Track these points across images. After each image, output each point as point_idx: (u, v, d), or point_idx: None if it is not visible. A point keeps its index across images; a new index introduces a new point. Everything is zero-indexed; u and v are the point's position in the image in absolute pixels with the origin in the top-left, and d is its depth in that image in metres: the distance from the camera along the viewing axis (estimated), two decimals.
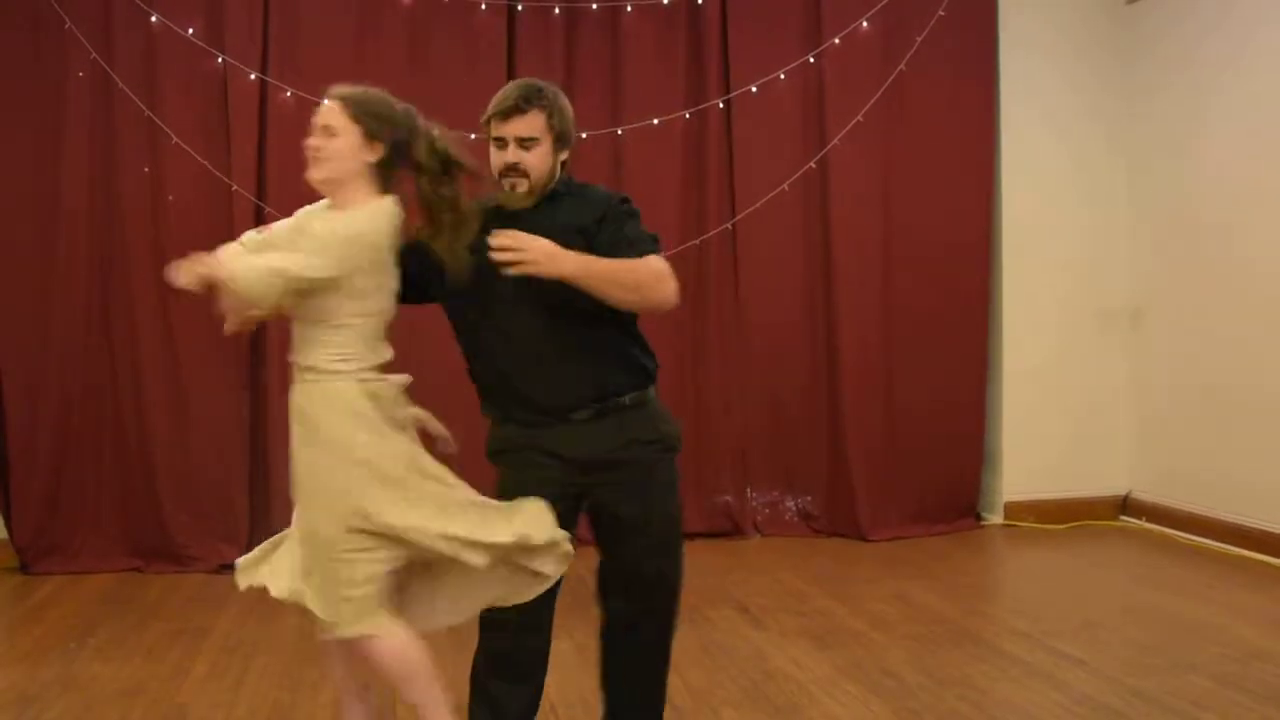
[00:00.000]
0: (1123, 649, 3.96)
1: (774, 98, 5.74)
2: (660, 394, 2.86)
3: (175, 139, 5.22)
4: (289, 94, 5.27)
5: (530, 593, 2.63)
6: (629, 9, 5.63)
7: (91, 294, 5.27)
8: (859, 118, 5.72)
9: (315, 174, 2.63)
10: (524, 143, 2.67)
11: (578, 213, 2.71)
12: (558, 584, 2.72)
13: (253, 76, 5.29)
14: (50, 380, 5.21)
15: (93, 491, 5.30)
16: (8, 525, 5.25)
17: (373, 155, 2.62)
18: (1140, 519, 5.90)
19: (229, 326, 2.74)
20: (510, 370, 2.72)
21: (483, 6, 5.50)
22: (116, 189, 5.26)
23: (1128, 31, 5.97)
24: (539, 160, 2.68)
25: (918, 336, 5.86)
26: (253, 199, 5.28)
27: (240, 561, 2.74)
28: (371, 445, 2.55)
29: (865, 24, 5.73)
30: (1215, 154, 5.44)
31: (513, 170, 2.68)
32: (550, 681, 2.89)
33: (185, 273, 2.45)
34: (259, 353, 5.33)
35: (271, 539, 2.73)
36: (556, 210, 2.72)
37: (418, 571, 2.66)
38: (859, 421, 5.79)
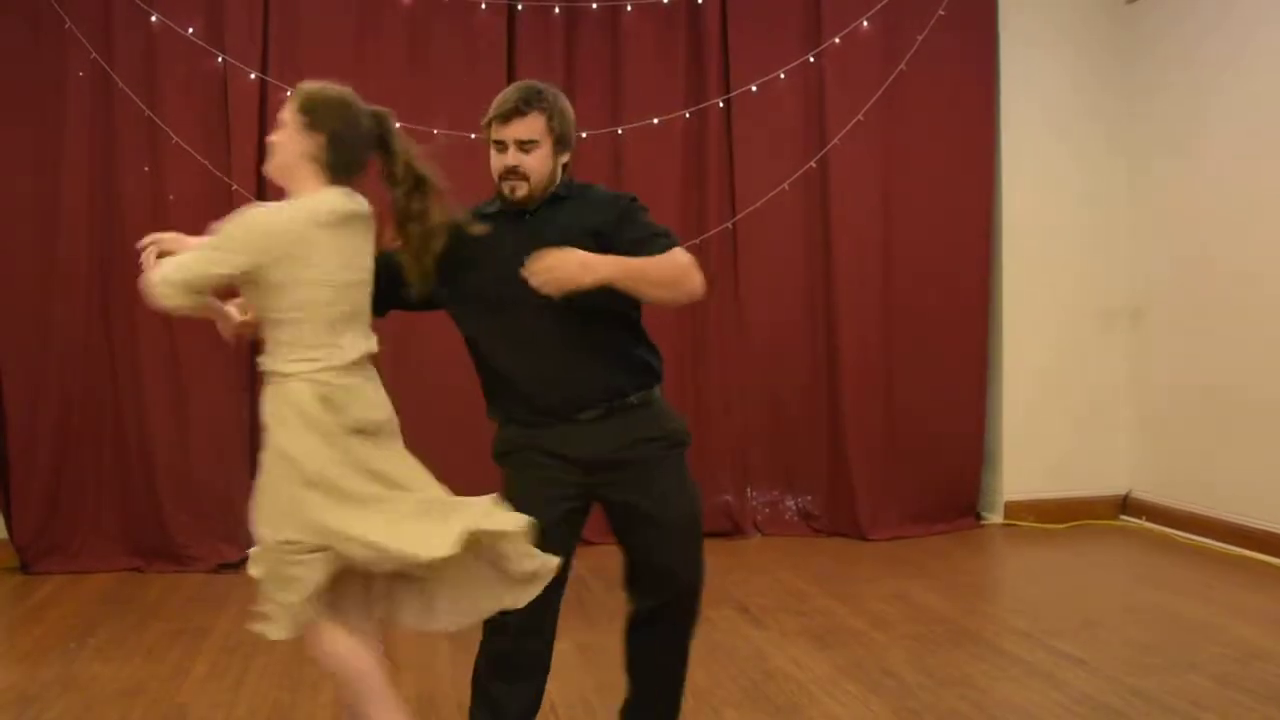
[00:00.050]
0: (1123, 649, 3.96)
1: (774, 97, 5.74)
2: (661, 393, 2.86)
3: (175, 139, 5.22)
4: (289, 93, 5.25)
5: (526, 595, 2.61)
6: (629, 8, 5.63)
7: (91, 294, 5.26)
8: (859, 117, 5.72)
9: (266, 165, 2.69)
10: (524, 145, 2.67)
11: (586, 214, 2.72)
12: (561, 586, 2.72)
13: (253, 76, 5.29)
14: (50, 380, 5.22)
15: (93, 491, 5.30)
16: (8, 525, 5.26)
17: (311, 145, 2.61)
18: (1140, 519, 5.90)
19: (223, 333, 2.76)
20: (518, 372, 2.72)
21: (483, 6, 5.50)
22: (116, 189, 5.27)
23: (1128, 31, 5.96)
24: (539, 163, 2.68)
25: (918, 336, 5.86)
26: (253, 198, 5.27)
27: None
28: (317, 453, 2.50)
29: (865, 24, 5.73)
30: (1215, 154, 5.44)
31: (513, 173, 2.69)
32: (550, 681, 2.89)
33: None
34: (259, 353, 5.31)
35: None
36: (561, 212, 2.72)
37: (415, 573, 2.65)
38: (859, 421, 5.79)
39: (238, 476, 5.31)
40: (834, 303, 5.80)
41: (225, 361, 5.26)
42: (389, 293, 2.78)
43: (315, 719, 3.45)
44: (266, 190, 5.30)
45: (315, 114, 2.63)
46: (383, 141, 2.67)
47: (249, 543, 2.59)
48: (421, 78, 5.46)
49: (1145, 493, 5.94)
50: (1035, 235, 5.95)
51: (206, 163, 5.26)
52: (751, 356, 5.80)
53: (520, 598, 2.62)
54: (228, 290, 2.68)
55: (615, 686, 3.62)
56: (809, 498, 5.89)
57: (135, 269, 2.76)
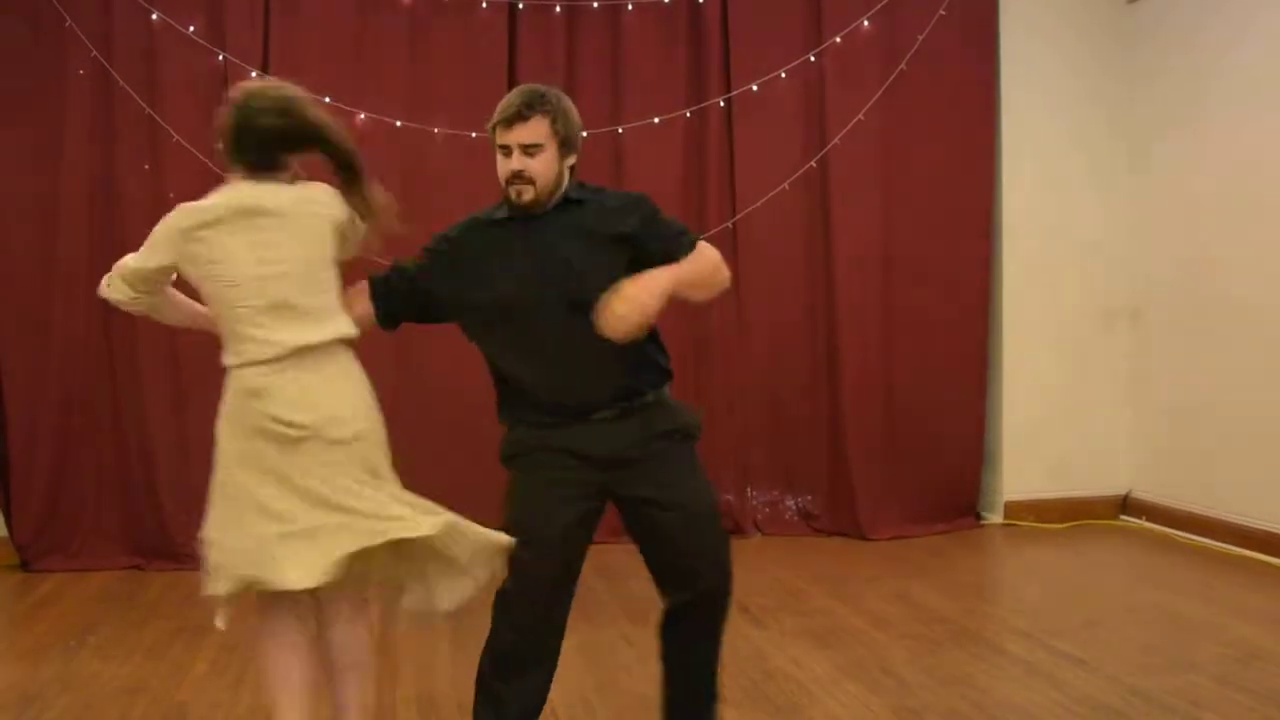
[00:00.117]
0: (1123, 649, 3.96)
1: (775, 96, 5.73)
2: None
3: (176, 137, 5.22)
4: None
5: (486, 570, 2.61)
6: (630, 7, 5.63)
7: (92, 294, 5.22)
8: (860, 116, 5.72)
9: None
10: (528, 149, 2.67)
11: (608, 219, 2.73)
12: (573, 584, 2.73)
13: (254, 74, 5.28)
14: (50, 380, 5.21)
15: (93, 490, 5.30)
16: (8, 523, 5.26)
17: (223, 142, 2.67)
18: (1140, 519, 5.90)
19: (206, 327, 2.82)
20: (533, 376, 2.73)
21: (483, 5, 5.50)
22: (117, 187, 5.26)
23: (1128, 20, 5.94)
24: (544, 167, 2.68)
25: (918, 336, 5.86)
26: None
27: None
28: (225, 448, 2.57)
29: (866, 23, 5.73)
30: (1216, 140, 5.42)
31: (518, 178, 2.69)
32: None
33: None
34: None
35: None
36: (578, 216, 2.73)
37: (405, 562, 2.65)
38: (859, 421, 5.79)
39: None
40: (834, 302, 5.80)
41: None
42: (400, 306, 2.81)
43: (315, 717, 3.44)
44: None
45: (225, 112, 2.71)
46: (301, 135, 2.65)
47: None
48: (422, 76, 5.46)
49: (1145, 493, 5.94)
50: (1035, 235, 5.95)
51: (207, 161, 5.24)
52: (752, 356, 5.80)
53: (484, 574, 2.62)
54: None
55: (615, 686, 3.64)
56: (809, 497, 5.89)
57: None
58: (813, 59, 5.74)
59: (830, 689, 3.60)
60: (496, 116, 2.71)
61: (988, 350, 5.98)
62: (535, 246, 2.69)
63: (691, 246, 2.74)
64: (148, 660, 3.96)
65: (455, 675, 3.71)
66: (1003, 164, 5.93)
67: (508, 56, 5.54)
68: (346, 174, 2.67)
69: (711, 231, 5.69)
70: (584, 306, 2.59)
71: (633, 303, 2.54)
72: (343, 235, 2.67)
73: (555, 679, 2.81)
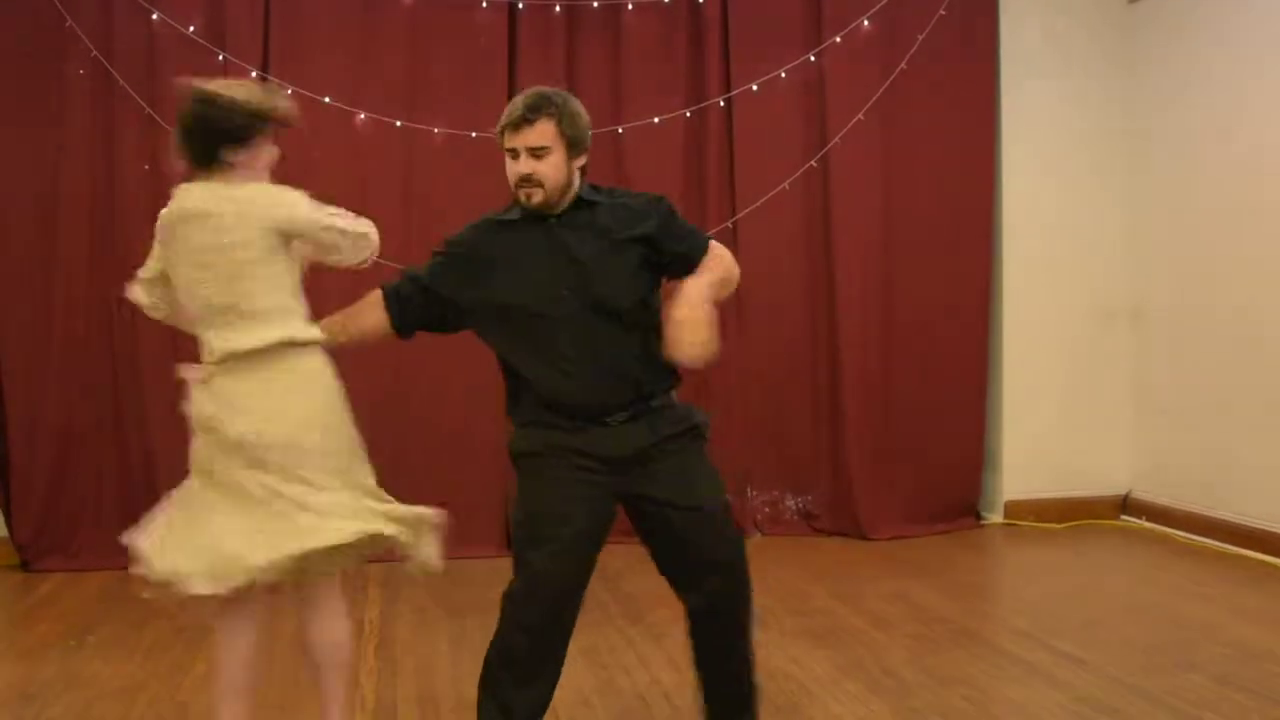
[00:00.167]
0: (1123, 649, 3.96)
1: (775, 96, 5.73)
2: None
3: None
4: (290, 92, 5.26)
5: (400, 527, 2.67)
6: (630, 7, 5.63)
7: (92, 293, 5.26)
8: (860, 116, 5.72)
9: None
10: (535, 152, 2.67)
11: (629, 221, 2.75)
12: (583, 587, 2.73)
13: (254, 74, 5.28)
14: (51, 379, 5.21)
15: (93, 490, 5.30)
16: (8, 523, 5.26)
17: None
18: (1140, 519, 5.90)
19: None
20: (548, 379, 2.73)
21: (483, 4, 5.50)
22: (117, 187, 5.26)
23: (1130, 22, 5.95)
24: (552, 169, 2.69)
25: (918, 335, 5.86)
26: None
27: None
28: (192, 455, 2.69)
29: (866, 23, 5.73)
30: (1216, 151, 5.43)
31: (527, 181, 2.69)
32: None
33: None
34: None
35: None
36: (596, 217, 2.75)
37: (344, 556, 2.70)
38: (859, 421, 5.79)
39: None
40: (834, 302, 5.79)
41: None
42: (415, 313, 2.81)
43: (315, 716, 3.45)
44: None
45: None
46: (222, 126, 2.61)
47: None
48: (422, 76, 5.46)
49: (1145, 493, 5.94)
50: (1035, 235, 5.95)
51: None
52: (752, 356, 5.80)
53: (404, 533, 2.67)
54: None
55: (616, 687, 3.64)
56: (809, 497, 5.89)
57: (136, 268, 2.78)
58: (813, 59, 5.74)
59: (830, 689, 3.60)
60: (504, 120, 2.71)
61: (988, 350, 5.98)
62: (551, 248, 2.70)
63: (706, 247, 2.80)
64: (148, 660, 3.96)
65: (455, 675, 3.71)
66: (1003, 164, 5.94)
67: (508, 56, 5.53)
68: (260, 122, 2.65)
69: (711, 232, 5.68)
70: (602, 308, 2.60)
71: (696, 324, 2.59)
72: (285, 235, 2.62)
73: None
